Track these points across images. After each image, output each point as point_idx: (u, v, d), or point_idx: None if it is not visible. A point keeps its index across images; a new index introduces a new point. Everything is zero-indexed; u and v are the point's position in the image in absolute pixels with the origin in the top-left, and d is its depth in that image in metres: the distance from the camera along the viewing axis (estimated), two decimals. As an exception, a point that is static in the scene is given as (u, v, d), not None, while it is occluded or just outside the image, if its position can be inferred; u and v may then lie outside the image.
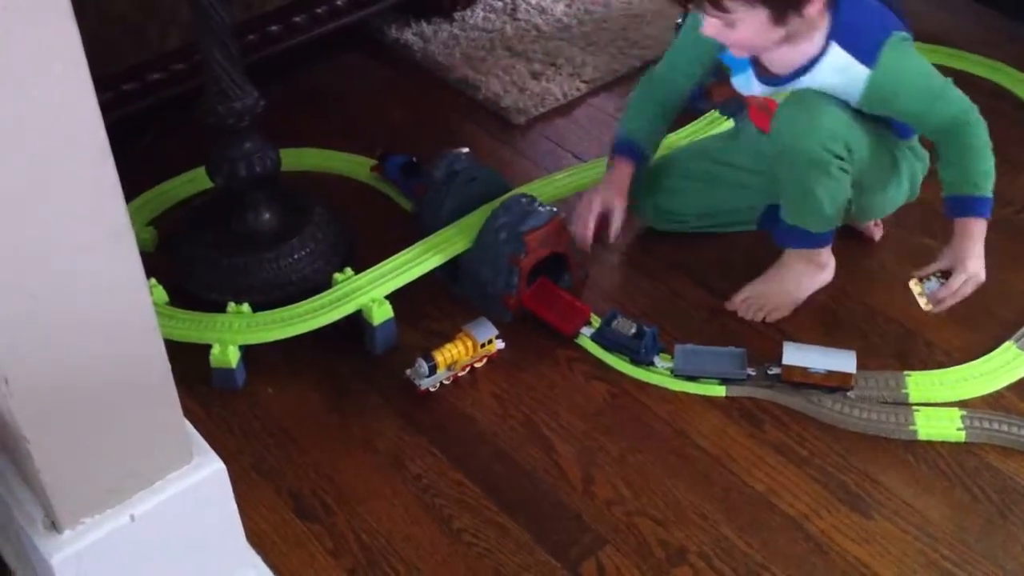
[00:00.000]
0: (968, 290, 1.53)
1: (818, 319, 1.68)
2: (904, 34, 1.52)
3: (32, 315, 0.95)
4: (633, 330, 1.60)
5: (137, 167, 1.88)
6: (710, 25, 1.49)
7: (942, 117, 1.52)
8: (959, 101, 1.53)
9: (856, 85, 1.51)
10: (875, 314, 1.68)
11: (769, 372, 1.56)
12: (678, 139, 1.94)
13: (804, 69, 1.54)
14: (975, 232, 1.52)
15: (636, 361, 1.60)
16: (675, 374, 1.58)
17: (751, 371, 1.57)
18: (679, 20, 2.10)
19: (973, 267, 1.52)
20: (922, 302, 1.55)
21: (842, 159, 1.53)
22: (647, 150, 1.73)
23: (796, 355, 1.54)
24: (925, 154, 1.68)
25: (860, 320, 1.68)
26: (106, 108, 0.93)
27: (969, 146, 1.52)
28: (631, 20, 2.35)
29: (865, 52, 1.49)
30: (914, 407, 1.52)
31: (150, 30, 1.87)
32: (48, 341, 0.97)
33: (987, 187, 1.53)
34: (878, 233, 1.80)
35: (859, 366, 1.55)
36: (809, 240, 1.64)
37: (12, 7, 0.83)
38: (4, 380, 0.95)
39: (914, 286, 1.55)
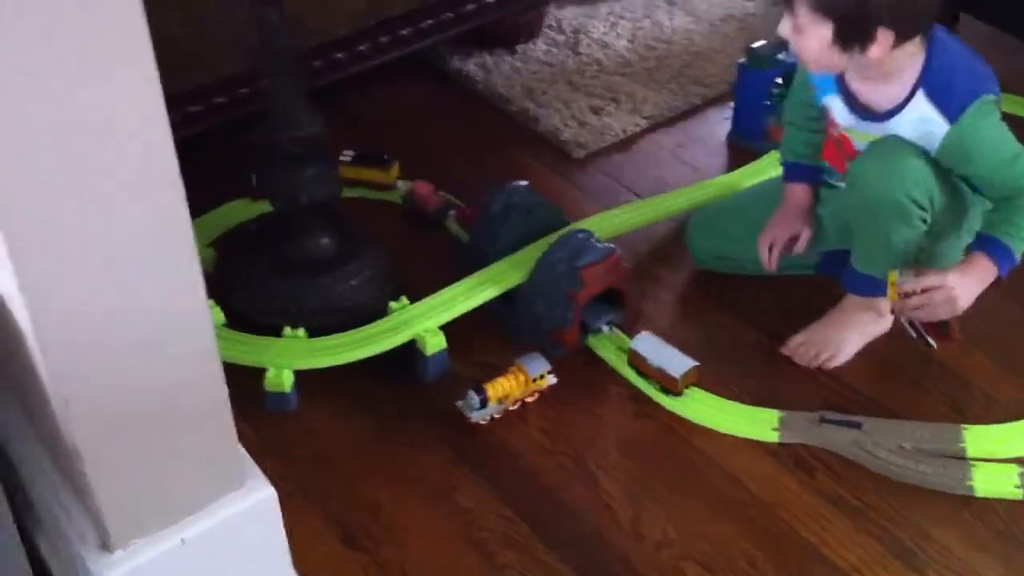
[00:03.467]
0: (937, 299, 1.49)
1: (874, 367, 1.66)
2: (993, 97, 1.49)
3: (96, 339, 0.96)
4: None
5: (197, 187, 1.91)
6: (784, 24, 1.50)
7: (1007, 186, 1.51)
8: None
9: (935, 138, 1.49)
10: (932, 364, 1.65)
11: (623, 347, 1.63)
12: (739, 179, 1.93)
13: (890, 113, 1.53)
14: (980, 267, 1.50)
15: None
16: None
17: None
18: (742, 60, 2.09)
19: (953, 282, 1.49)
20: (890, 292, 1.52)
21: (924, 209, 1.51)
22: (817, 166, 1.72)
23: (645, 345, 1.62)
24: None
25: (917, 370, 1.65)
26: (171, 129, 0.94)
27: (1019, 207, 1.51)
28: (693, 57, 2.35)
29: (950, 108, 1.47)
30: (971, 462, 1.49)
31: (210, 54, 1.89)
32: (111, 365, 0.98)
33: (1016, 244, 1.50)
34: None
35: (915, 416, 1.53)
36: (877, 288, 1.61)
37: (88, 29, 0.84)
38: (65, 402, 0.96)
39: (890, 273, 1.52)
